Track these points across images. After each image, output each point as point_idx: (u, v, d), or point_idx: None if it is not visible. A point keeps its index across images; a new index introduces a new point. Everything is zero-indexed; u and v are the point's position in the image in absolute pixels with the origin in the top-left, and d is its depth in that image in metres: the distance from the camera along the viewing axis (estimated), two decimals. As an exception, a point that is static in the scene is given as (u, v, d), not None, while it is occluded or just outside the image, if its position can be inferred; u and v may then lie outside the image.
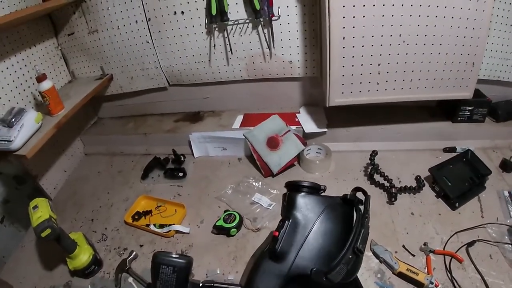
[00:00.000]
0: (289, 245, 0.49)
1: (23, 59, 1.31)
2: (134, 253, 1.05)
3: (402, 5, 1.02)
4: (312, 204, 0.59)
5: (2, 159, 1.26)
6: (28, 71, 1.33)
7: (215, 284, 0.52)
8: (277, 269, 0.45)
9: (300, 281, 0.46)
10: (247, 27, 1.30)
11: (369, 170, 1.23)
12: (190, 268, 0.58)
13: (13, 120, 1.08)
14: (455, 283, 0.88)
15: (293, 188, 0.65)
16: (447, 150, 1.34)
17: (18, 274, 1.08)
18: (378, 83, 1.18)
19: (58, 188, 1.45)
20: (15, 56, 1.29)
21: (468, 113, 1.35)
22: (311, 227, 0.56)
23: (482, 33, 1.08)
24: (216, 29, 1.33)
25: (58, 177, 1.46)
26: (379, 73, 1.16)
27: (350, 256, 0.49)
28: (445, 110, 1.41)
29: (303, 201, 0.59)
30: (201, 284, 0.53)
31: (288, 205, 0.61)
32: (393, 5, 1.02)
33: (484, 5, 1.03)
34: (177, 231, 1.11)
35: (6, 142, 1.07)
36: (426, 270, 0.91)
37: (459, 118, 1.36)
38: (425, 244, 1.00)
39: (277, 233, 0.53)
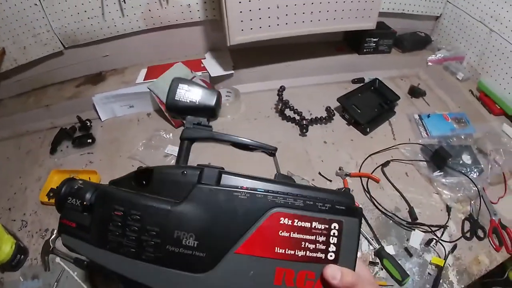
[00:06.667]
0: None
1: None
2: (56, 231, 0.98)
3: None
4: None
5: None
6: None
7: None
8: None
9: None
10: (135, -30, 1.19)
11: (279, 106, 1.23)
12: None
13: None
14: (375, 202, 0.91)
15: None
16: (355, 81, 1.38)
17: None
18: (278, 18, 1.16)
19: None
20: None
21: (374, 44, 1.39)
22: None
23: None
24: (102, -24, 1.20)
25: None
26: (278, 7, 1.14)
27: None
28: (351, 43, 1.44)
29: None
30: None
31: None
32: None
33: None
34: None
35: None
36: (344, 194, 0.94)
37: (365, 50, 1.40)
38: (340, 168, 1.03)
39: None
